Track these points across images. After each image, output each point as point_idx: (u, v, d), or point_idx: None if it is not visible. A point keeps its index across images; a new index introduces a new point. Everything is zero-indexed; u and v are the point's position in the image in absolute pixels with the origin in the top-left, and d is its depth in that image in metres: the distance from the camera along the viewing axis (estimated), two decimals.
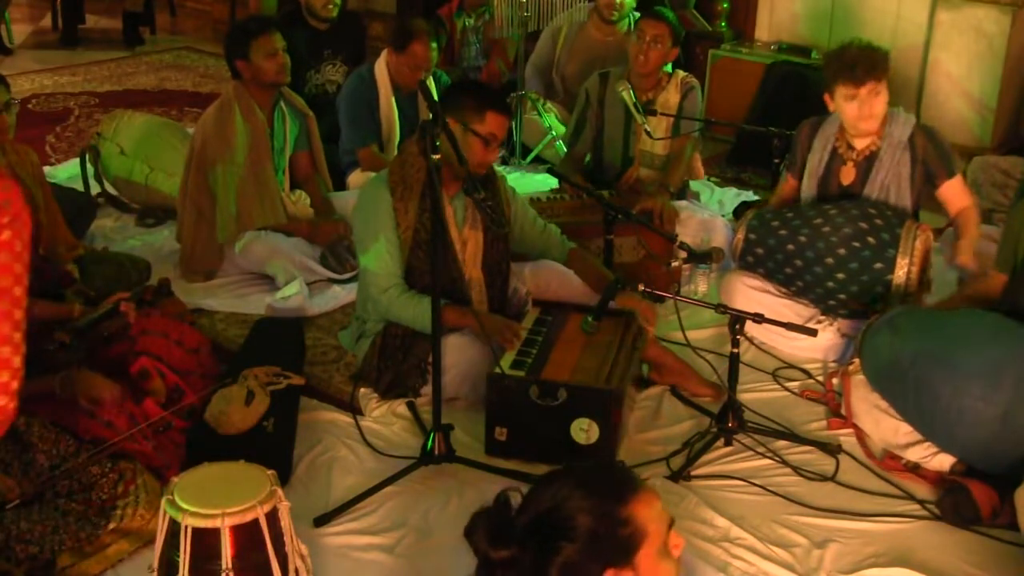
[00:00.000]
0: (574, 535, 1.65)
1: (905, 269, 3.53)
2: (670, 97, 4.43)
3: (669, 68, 4.53)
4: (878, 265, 3.56)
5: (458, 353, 3.27)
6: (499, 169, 5.11)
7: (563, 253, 3.66)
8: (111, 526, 2.66)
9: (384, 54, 4.68)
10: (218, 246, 4.19)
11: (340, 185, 4.69)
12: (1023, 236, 3.28)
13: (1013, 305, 3.21)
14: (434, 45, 4.55)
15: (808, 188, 3.85)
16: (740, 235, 3.82)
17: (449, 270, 3.34)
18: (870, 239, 3.57)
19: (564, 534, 1.65)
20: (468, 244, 3.41)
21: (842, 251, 3.59)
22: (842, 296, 3.64)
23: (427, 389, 3.26)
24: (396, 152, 4.60)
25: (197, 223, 4.17)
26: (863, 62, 3.56)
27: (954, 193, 3.75)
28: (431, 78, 4.78)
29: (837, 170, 3.80)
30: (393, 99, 4.63)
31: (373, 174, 4.19)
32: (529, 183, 5.06)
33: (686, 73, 4.63)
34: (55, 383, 2.85)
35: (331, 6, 5.14)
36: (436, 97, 4.81)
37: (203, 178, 4.12)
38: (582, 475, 1.74)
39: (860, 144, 3.75)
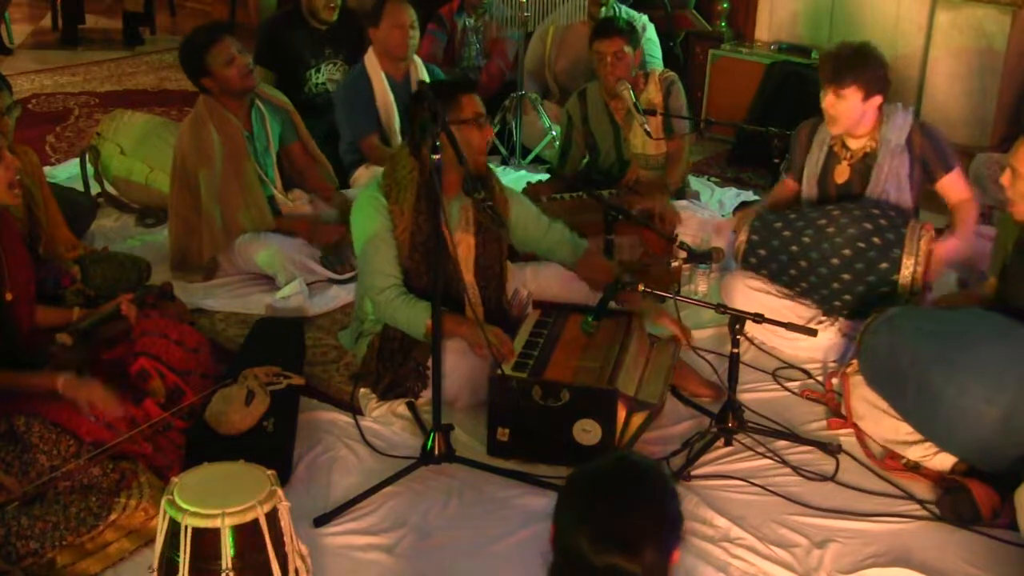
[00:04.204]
0: (669, 517, 1.73)
1: (911, 269, 3.53)
2: (652, 96, 4.42)
3: (646, 67, 4.52)
4: (884, 265, 3.56)
5: (458, 358, 3.25)
6: (498, 169, 5.16)
7: (575, 252, 3.61)
8: (112, 517, 2.67)
9: (371, 49, 4.72)
10: (209, 257, 4.19)
11: (344, 184, 4.69)
12: (1008, 238, 3.28)
13: (1004, 306, 3.20)
14: (410, 9, 4.62)
15: (808, 189, 3.86)
16: (743, 236, 3.81)
17: (446, 272, 3.34)
18: (875, 239, 3.57)
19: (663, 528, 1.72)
20: (460, 248, 3.39)
21: (847, 252, 3.59)
22: (847, 297, 3.63)
23: (427, 393, 3.26)
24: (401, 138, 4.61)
25: (188, 235, 4.18)
26: (833, 64, 3.60)
27: (953, 187, 3.76)
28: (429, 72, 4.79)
29: (832, 169, 3.81)
30: (387, 86, 4.65)
31: (377, 169, 4.20)
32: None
33: (663, 69, 4.62)
34: (58, 383, 2.84)
35: (332, 6, 5.16)
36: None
37: (187, 193, 4.12)
38: (653, 467, 1.83)
39: (855, 145, 3.75)
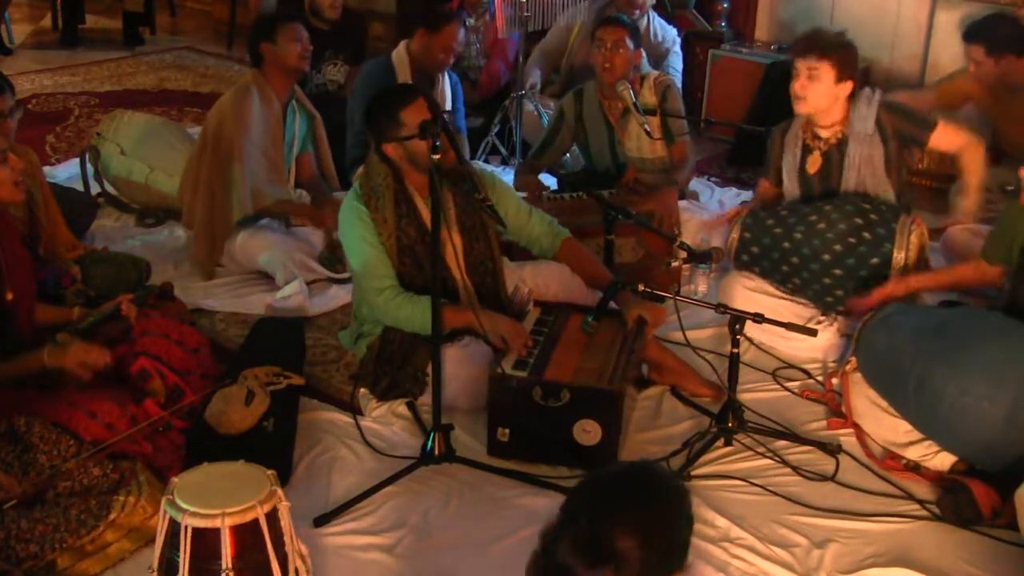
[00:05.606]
0: (665, 545, 1.70)
1: (902, 264, 3.54)
2: (647, 99, 4.41)
3: (643, 70, 4.53)
4: (874, 260, 3.57)
5: (458, 367, 3.23)
6: (498, 169, 5.16)
7: (554, 244, 3.57)
8: (112, 516, 2.67)
9: (402, 44, 4.73)
10: (231, 227, 4.17)
11: (345, 185, 4.69)
12: (1019, 232, 3.25)
13: (1012, 302, 3.20)
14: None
15: (790, 188, 3.88)
16: (735, 234, 3.83)
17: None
18: (866, 234, 3.58)
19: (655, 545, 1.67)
20: (446, 245, 3.37)
21: (838, 247, 3.59)
22: (839, 292, 3.64)
23: (425, 398, 3.25)
24: None
25: (211, 206, 4.17)
26: (807, 38, 3.67)
27: (945, 138, 3.77)
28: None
29: (805, 160, 3.83)
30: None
31: None
32: None
33: (658, 72, 4.62)
34: (43, 357, 2.84)
35: (336, 5, 5.18)
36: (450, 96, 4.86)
37: (219, 158, 4.13)
38: (676, 486, 1.79)
39: (825, 134, 3.77)
